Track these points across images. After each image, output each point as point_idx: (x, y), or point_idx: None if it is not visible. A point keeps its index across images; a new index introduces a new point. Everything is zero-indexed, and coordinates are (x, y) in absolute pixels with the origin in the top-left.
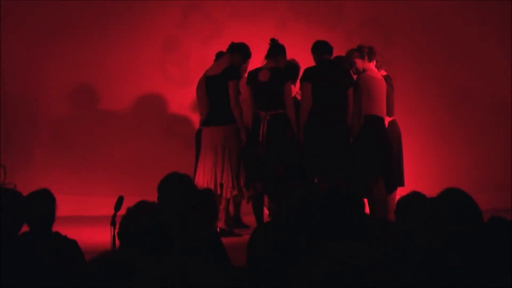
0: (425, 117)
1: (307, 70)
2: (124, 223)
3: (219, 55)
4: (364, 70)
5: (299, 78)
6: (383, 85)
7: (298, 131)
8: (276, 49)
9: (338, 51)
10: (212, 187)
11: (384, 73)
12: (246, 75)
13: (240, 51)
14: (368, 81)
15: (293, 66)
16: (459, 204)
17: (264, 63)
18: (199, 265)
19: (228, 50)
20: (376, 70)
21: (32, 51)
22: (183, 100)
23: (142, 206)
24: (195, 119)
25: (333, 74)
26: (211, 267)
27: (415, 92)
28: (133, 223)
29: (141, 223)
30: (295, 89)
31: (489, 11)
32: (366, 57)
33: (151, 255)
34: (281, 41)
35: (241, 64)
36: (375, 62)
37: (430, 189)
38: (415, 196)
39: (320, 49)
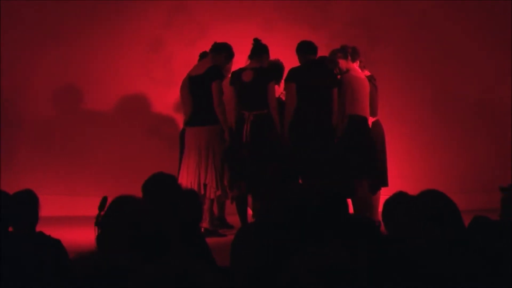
0: (410, 118)
1: (292, 70)
2: (107, 221)
3: (203, 55)
4: (348, 70)
5: (284, 78)
6: (367, 85)
7: (282, 131)
8: (259, 49)
9: (324, 51)
10: (196, 187)
11: (368, 73)
12: (229, 75)
13: (223, 51)
14: (351, 81)
15: (277, 66)
16: (437, 205)
17: (248, 63)
18: (187, 265)
19: (211, 50)
20: (359, 70)
21: (17, 51)
22: (168, 100)
23: (124, 202)
24: (180, 119)
25: (318, 74)
26: (198, 267)
27: (399, 92)
28: (117, 222)
29: (125, 222)
30: (280, 89)
31: (475, 12)
32: (350, 57)
33: (135, 255)
34: (266, 42)
35: (224, 64)
36: (358, 62)
37: (414, 190)
38: (401, 196)
39: (305, 49)
